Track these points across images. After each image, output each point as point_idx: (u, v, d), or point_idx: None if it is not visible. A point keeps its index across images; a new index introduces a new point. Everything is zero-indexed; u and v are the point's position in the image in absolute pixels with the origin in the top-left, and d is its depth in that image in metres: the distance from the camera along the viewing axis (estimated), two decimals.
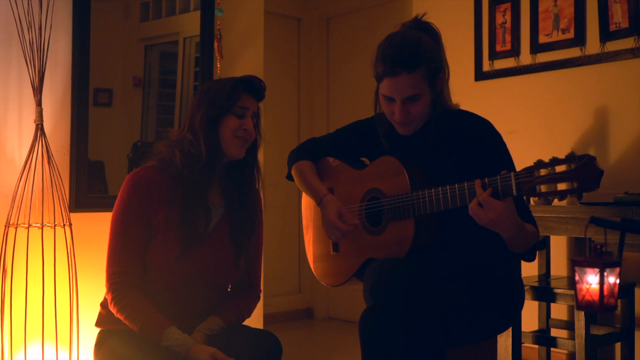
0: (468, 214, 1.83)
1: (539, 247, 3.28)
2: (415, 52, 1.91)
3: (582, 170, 1.60)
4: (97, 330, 2.04)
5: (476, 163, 1.93)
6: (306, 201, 2.36)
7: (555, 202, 3.19)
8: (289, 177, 2.35)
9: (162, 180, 1.96)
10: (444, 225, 1.97)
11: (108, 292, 1.92)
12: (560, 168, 1.66)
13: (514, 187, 1.70)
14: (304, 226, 2.38)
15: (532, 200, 3.09)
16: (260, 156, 2.19)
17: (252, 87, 2.03)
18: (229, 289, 2.14)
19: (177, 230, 1.93)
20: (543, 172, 1.65)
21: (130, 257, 1.92)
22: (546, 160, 2.77)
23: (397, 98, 1.95)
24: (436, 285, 1.89)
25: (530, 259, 1.96)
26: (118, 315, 1.91)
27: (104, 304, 2.01)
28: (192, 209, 1.95)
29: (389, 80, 1.93)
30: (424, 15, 2.05)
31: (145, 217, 1.94)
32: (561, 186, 1.70)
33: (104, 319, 2.01)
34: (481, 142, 1.98)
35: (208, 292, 2.01)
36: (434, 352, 1.79)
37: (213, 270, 1.99)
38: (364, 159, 2.25)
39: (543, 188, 1.66)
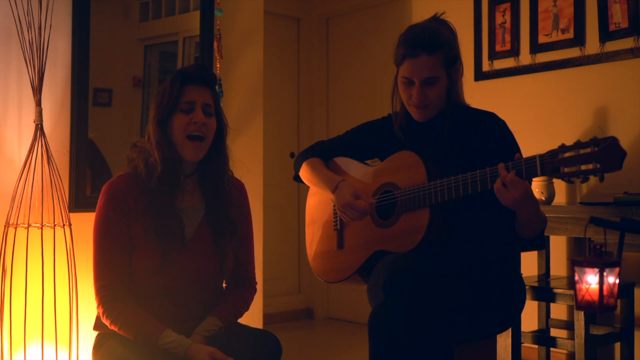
0: (481, 207, 1.92)
1: (539, 247, 3.29)
2: (435, 37, 2.03)
3: (606, 151, 1.64)
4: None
5: (489, 154, 1.99)
6: (312, 199, 2.37)
7: (555, 201, 3.19)
8: (297, 179, 2.36)
9: (138, 189, 1.94)
10: (456, 219, 1.99)
11: (98, 305, 1.91)
12: (583, 152, 1.69)
13: (538, 168, 1.75)
14: (307, 224, 2.38)
15: None
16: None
17: (190, 77, 1.92)
18: (223, 285, 2.13)
19: (154, 241, 1.90)
20: (567, 154, 1.69)
21: (116, 269, 1.90)
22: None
23: (416, 79, 2.02)
24: (445, 283, 1.90)
25: (540, 245, 2.03)
26: (112, 328, 1.89)
27: None
28: (163, 219, 1.91)
29: (410, 61, 2.02)
30: (442, 14, 2.16)
31: (125, 227, 1.92)
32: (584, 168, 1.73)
33: (101, 322, 1.99)
34: (494, 135, 2.05)
35: (201, 295, 1.99)
36: (445, 349, 1.81)
37: (200, 275, 1.97)
38: (372, 161, 2.26)
39: (566, 169, 1.70)
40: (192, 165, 1.99)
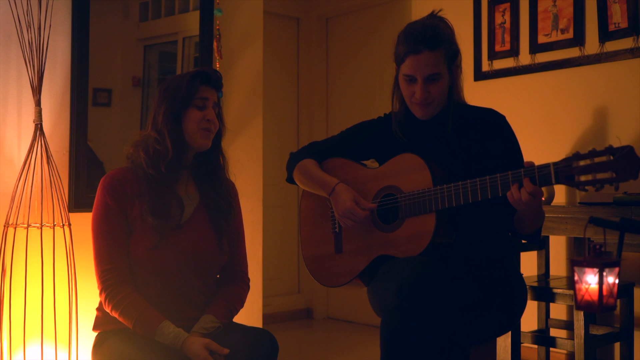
0: (484, 208, 1.92)
1: (538, 247, 3.29)
2: (436, 33, 2.02)
3: (622, 160, 1.61)
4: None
5: (492, 152, 2.01)
6: (307, 202, 2.30)
7: (555, 201, 3.19)
8: (290, 180, 2.30)
9: (134, 177, 2.02)
10: (461, 222, 1.98)
11: (102, 291, 1.94)
12: (598, 160, 1.66)
13: (552, 176, 1.73)
14: (301, 226, 2.33)
15: None
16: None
17: (208, 78, 2.06)
18: (217, 278, 2.14)
19: (151, 221, 1.97)
20: (582, 163, 1.67)
21: (117, 253, 1.96)
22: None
23: (419, 76, 2.01)
24: (454, 285, 1.89)
25: (538, 239, 2.04)
26: (113, 313, 1.92)
27: (99, 308, 2.04)
28: (162, 200, 1.99)
29: (412, 58, 2.01)
30: (439, 11, 2.14)
31: (123, 213, 1.98)
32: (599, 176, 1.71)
33: (100, 322, 2.03)
34: (495, 132, 2.06)
35: (195, 278, 2.02)
36: (462, 352, 1.80)
37: (196, 254, 2.01)
38: (368, 161, 2.23)
39: (581, 178, 1.68)
40: (189, 159, 2.08)
